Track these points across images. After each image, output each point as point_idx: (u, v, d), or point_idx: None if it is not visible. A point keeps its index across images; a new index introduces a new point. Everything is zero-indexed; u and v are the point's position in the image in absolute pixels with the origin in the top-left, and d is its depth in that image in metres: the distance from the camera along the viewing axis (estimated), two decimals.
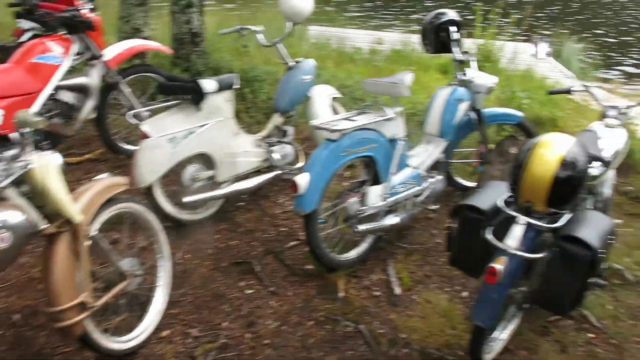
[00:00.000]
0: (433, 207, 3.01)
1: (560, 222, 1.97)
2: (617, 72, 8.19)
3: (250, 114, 4.14)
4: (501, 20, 6.36)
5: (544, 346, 2.33)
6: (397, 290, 2.60)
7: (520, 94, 4.41)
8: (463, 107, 3.07)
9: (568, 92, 2.85)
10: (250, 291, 2.56)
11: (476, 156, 3.33)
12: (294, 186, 2.41)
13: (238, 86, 3.10)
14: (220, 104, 2.95)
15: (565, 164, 1.93)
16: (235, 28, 3.48)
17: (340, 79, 4.67)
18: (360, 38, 7.04)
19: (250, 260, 2.74)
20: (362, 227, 2.61)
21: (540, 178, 1.94)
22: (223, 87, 2.95)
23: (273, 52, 3.44)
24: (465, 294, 2.60)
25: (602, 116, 2.69)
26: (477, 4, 6.37)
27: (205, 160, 2.94)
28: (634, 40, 9.96)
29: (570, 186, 1.97)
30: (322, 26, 7.42)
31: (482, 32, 6.27)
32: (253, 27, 3.43)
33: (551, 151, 1.97)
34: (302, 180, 2.41)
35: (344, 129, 2.48)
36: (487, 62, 5.96)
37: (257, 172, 3.17)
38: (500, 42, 6.24)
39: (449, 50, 3.12)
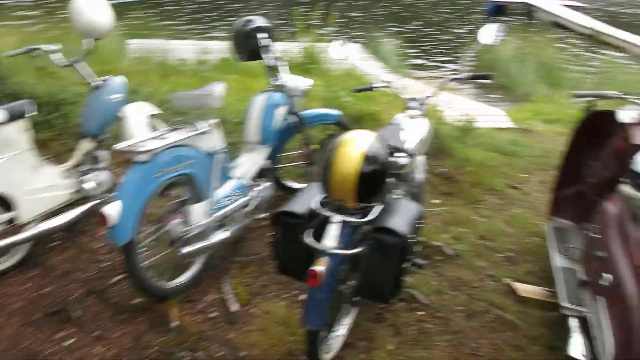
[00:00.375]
0: (262, 215, 2.98)
1: (372, 215, 2.05)
2: (431, 66, 9.03)
3: (61, 141, 3.74)
4: (323, 24, 6.63)
5: (380, 332, 2.43)
6: (234, 307, 2.52)
7: (341, 92, 4.60)
8: (280, 111, 3.09)
9: (371, 89, 3.01)
10: (71, 341, 2.29)
11: (302, 158, 3.39)
12: (103, 218, 2.20)
13: (34, 113, 2.76)
14: (11, 135, 2.61)
15: (368, 159, 2.01)
16: (24, 49, 3.10)
17: (163, 93, 4.44)
18: (185, 49, 6.81)
19: (68, 306, 2.46)
20: (187, 249, 2.48)
21: (346, 175, 2.00)
22: (14, 117, 2.61)
23: (74, 72, 3.12)
24: (303, 296, 2.61)
25: (405, 108, 2.90)
26: (299, 8, 6.56)
27: (1, 201, 2.58)
28: (448, 38, 11.12)
29: (375, 179, 2.06)
30: (144, 39, 7.05)
31: (305, 36, 6.48)
32: (46, 47, 3.08)
33: (354, 148, 2.04)
34: (112, 210, 2.21)
35: (153, 149, 2.33)
36: (312, 64, 6.19)
37: (71, 205, 2.87)
38: (323, 44, 6.50)
39: (260, 57, 3.12)
